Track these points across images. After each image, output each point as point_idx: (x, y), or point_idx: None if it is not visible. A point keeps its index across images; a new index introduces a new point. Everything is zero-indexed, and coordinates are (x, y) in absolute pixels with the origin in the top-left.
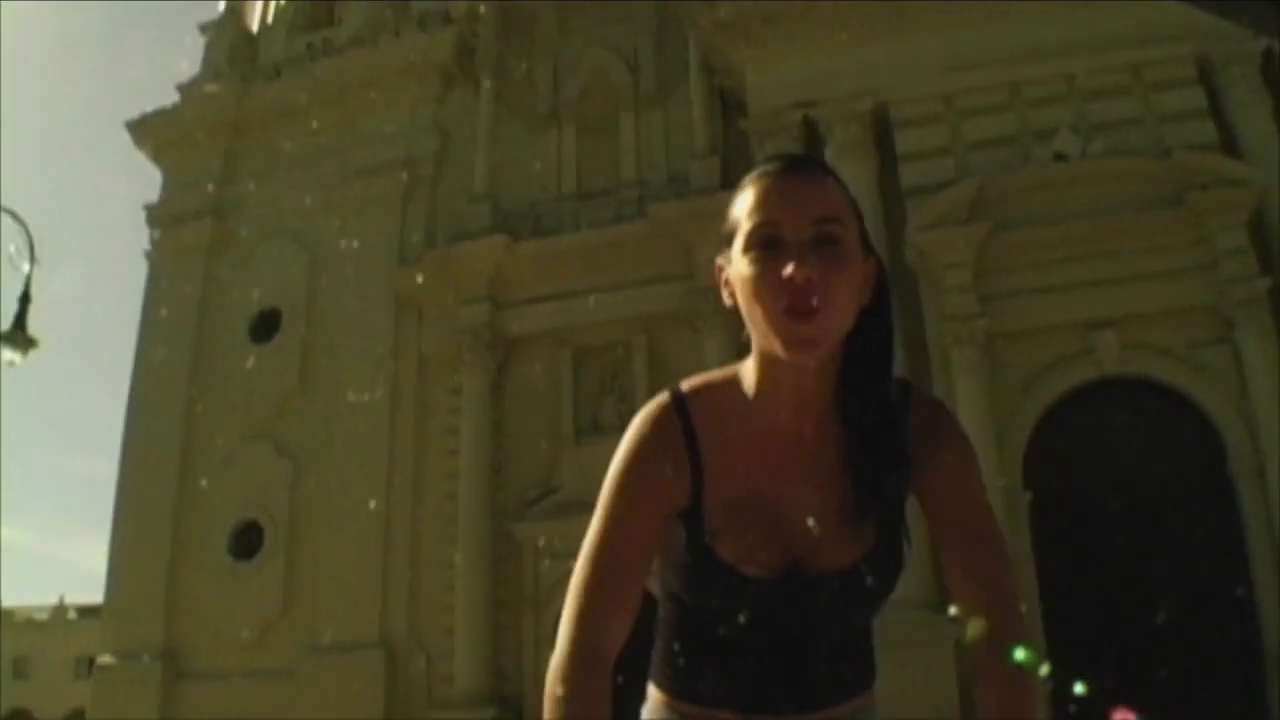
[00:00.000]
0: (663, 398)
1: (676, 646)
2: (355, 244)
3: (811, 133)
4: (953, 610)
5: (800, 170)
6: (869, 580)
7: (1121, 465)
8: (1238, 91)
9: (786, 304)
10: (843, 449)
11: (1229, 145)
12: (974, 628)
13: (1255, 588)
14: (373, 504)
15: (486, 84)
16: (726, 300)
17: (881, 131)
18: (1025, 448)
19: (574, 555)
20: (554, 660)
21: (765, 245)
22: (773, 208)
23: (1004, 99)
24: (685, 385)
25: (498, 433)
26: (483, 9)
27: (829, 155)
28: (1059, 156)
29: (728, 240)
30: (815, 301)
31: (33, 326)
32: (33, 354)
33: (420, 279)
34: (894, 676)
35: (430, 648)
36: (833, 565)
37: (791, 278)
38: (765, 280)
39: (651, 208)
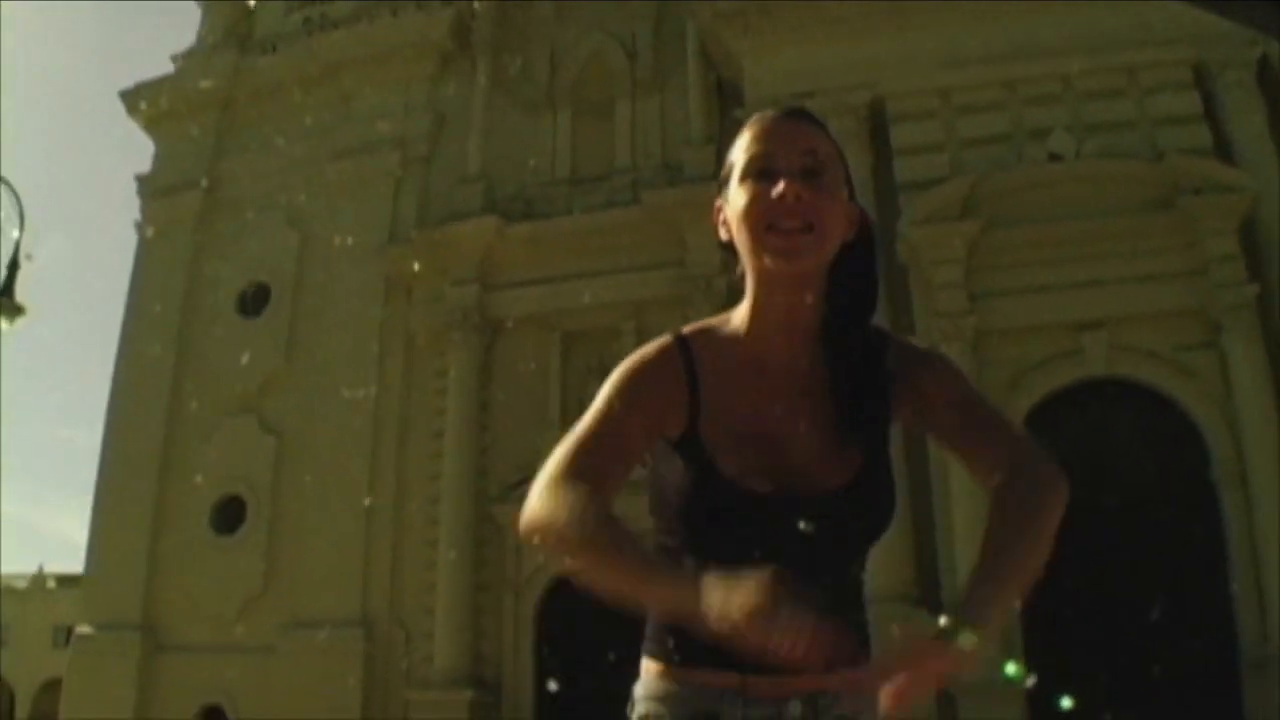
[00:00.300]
0: (664, 337)
1: None
2: (346, 221)
3: None
4: (943, 620)
5: (793, 114)
6: (861, 502)
7: (1106, 467)
8: (1233, 97)
9: (776, 220)
10: (828, 374)
11: (1223, 151)
12: (967, 640)
13: (1234, 593)
14: (356, 482)
15: (483, 65)
16: (723, 236)
17: (877, 125)
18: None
19: None
20: (538, 510)
21: (759, 175)
22: (766, 141)
23: (1000, 97)
24: (685, 328)
25: (484, 415)
26: None
27: None
28: (1053, 156)
29: (724, 182)
30: (802, 221)
31: (20, 294)
32: (19, 321)
33: (410, 259)
34: None
35: (410, 627)
36: (825, 485)
37: (782, 195)
38: (757, 202)
39: (645, 194)
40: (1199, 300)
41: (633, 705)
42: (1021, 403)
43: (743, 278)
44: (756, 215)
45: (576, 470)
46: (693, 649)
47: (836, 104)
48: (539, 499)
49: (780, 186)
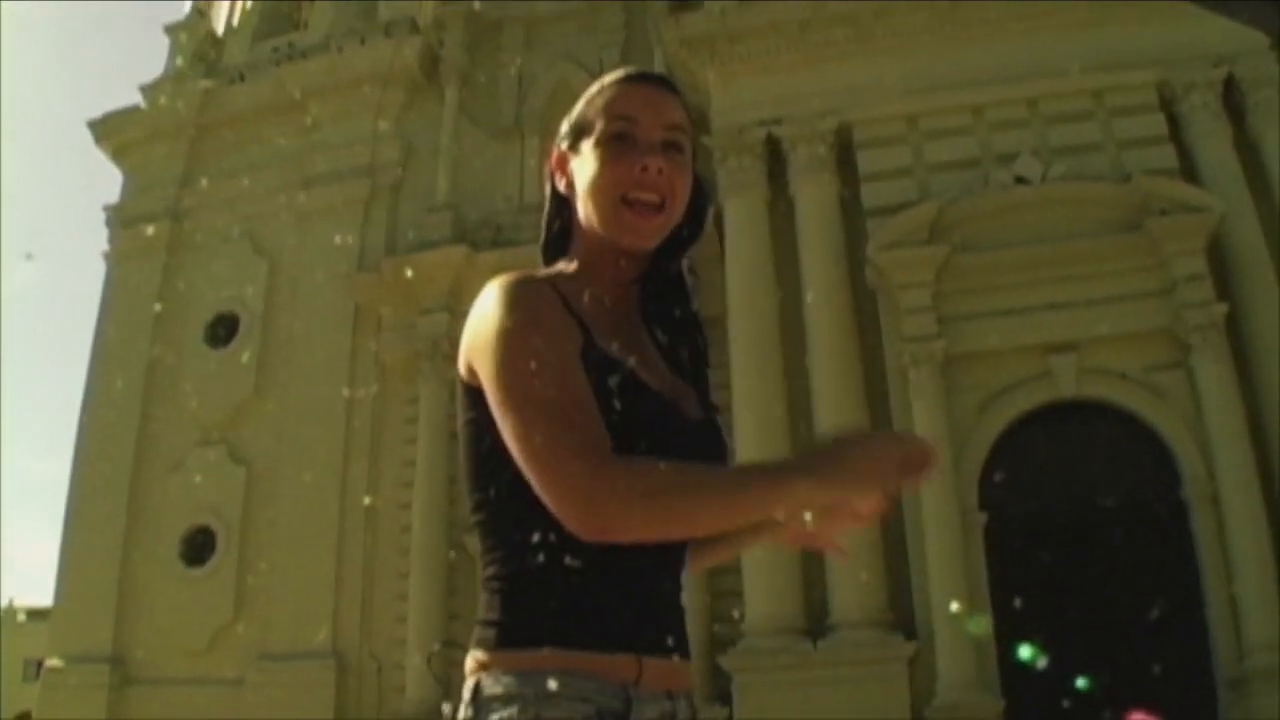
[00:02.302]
0: (516, 274)
1: (554, 573)
2: (315, 251)
3: (775, 150)
4: (955, 605)
5: (655, 80)
6: (718, 438)
7: (1077, 489)
8: (1198, 118)
9: (634, 194)
10: (647, 323)
11: (1189, 171)
12: (977, 625)
13: (1207, 612)
14: (326, 512)
15: (451, 94)
16: (560, 186)
17: (844, 151)
18: (981, 470)
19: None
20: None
21: (620, 139)
22: (631, 107)
23: (966, 122)
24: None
25: (454, 444)
26: (449, 18)
27: (792, 173)
28: (1020, 180)
29: (577, 132)
30: (659, 195)
31: None
32: None
33: (379, 288)
34: (848, 695)
35: (382, 658)
36: (695, 417)
37: (645, 168)
38: (617, 170)
39: None
40: (1167, 320)
41: (481, 710)
42: (992, 426)
43: (564, 230)
44: (614, 185)
45: (583, 446)
46: (585, 627)
47: (803, 130)
48: (577, 490)
49: (651, 162)
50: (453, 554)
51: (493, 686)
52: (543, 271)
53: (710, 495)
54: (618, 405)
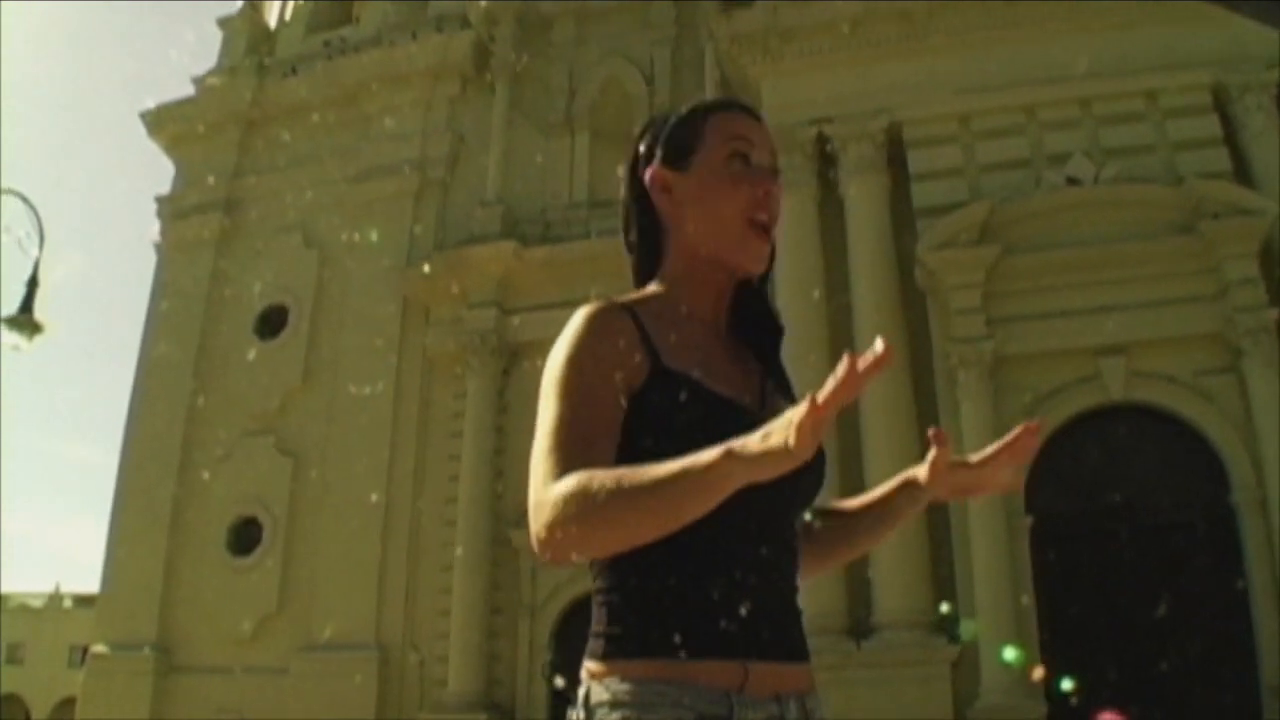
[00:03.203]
0: (598, 301)
1: (656, 582)
2: (364, 244)
3: (825, 149)
4: (944, 607)
5: (750, 108)
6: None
7: (1124, 493)
8: (1253, 120)
9: (758, 215)
10: (744, 344)
11: (1242, 174)
12: (969, 629)
13: (1255, 619)
14: (372, 505)
15: (501, 89)
16: (662, 204)
17: (895, 151)
18: (1028, 472)
19: (571, 565)
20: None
21: (744, 163)
22: (749, 132)
23: (1018, 122)
24: (611, 298)
25: (500, 438)
26: (500, 13)
27: (842, 172)
28: (1071, 181)
29: (680, 151)
30: (772, 218)
31: (37, 311)
32: (36, 339)
33: (428, 282)
34: (891, 696)
35: (424, 650)
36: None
37: (769, 192)
38: (741, 193)
39: None
40: (1218, 324)
41: (590, 715)
42: (1040, 427)
43: (646, 240)
44: (743, 206)
45: (550, 475)
46: (688, 636)
47: (854, 129)
48: (536, 512)
49: (770, 185)
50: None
51: (600, 694)
52: (628, 296)
53: (646, 497)
54: (686, 416)
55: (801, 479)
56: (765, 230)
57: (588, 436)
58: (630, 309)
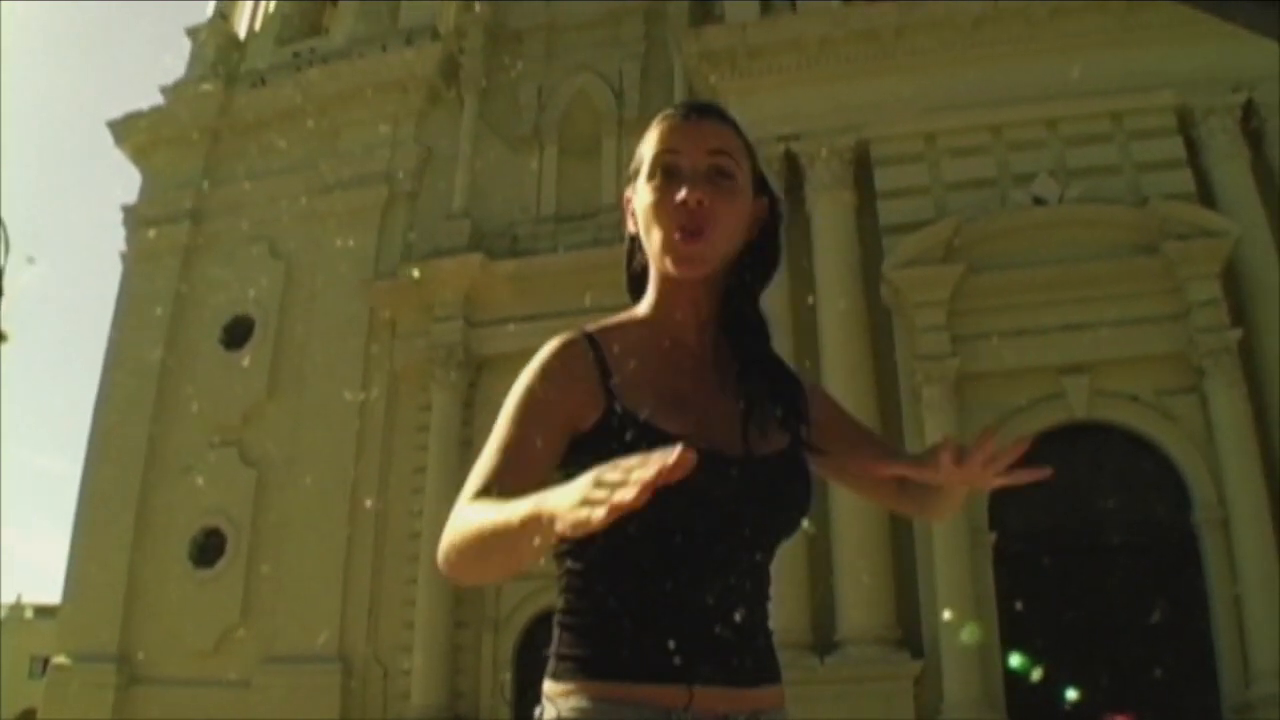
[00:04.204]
0: (568, 332)
1: (604, 607)
2: (331, 256)
3: (793, 166)
4: (946, 614)
5: (700, 111)
6: (786, 473)
7: (1087, 511)
8: (1217, 142)
9: (679, 224)
10: (736, 363)
11: (1206, 196)
12: (969, 632)
13: (1215, 637)
14: (336, 517)
15: (470, 102)
16: (630, 229)
17: (862, 168)
18: (991, 489)
19: (535, 577)
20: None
21: (665, 173)
22: (673, 139)
23: (984, 141)
24: (587, 326)
25: (466, 450)
26: (470, 26)
27: (809, 189)
28: (1037, 200)
29: (635, 174)
30: (703, 224)
31: (3, 321)
32: (2, 348)
33: (395, 294)
34: (854, 711)
35: (388, 663)
36: (756, 452)
37: (684, 201)
38: (662, 204)
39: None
40: (1181, 345)
41: None
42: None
43: (641, 272)
44: (663, 219)
45: (476, 493)
46: (633, 660)
47: (822, 146)
48: (443, 539)
49: (683, 193)
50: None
51: (551, 713)
52: (606, 321)
53: (489, 533)
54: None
55: (768, 516)
56: (692, 235)
57: (510, 466)
58: (596, 341)
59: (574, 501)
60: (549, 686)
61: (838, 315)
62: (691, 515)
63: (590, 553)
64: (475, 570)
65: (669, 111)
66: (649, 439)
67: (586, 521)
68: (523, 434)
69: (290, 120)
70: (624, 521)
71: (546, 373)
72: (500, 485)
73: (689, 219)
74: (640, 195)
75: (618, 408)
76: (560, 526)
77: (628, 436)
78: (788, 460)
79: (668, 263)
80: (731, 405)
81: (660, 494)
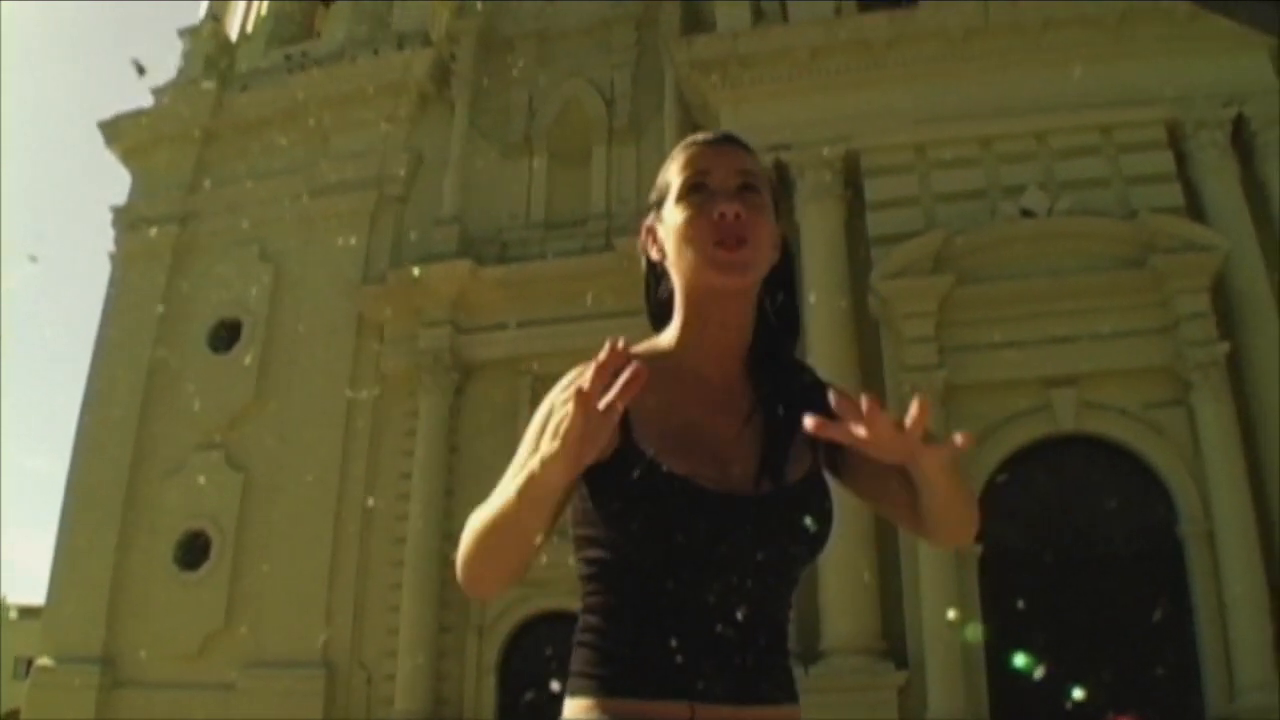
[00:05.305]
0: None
1: (612, 627)
2: (320, 259)
3: (782, 176)
4: (950, 614)
5: (724, 137)
6: (804, 505)
7: (1073, 523)
8: (1207, 156)
9: (718, 238)
10: (759, 395)
11: (1195, 209)
12: (972, 631)
13: (1200, 650)
14: (321, 522)
15: (461, 108)
16: (653, 255)
17: (851, 179)
18: (978, 501)
19: (523, 584)
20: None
21: (696, 191)
22: (702, 162)
23: (974, 153)
24: None
25: (452, 456)
26: (462, 32)
27: (798, 199)
28: (1026, 213)
29: (658, 203)
30: (744, 234)
31: None
32: None
33: (383, 299)
34: None
35: (372, 668)
36: (766, 486)
37: (723, 214)
38: (698, 221)
39: (618, 241)
40: (1169, 358)
41: None
42: (990, 458)
43: (667, 300)
44: (700, 235)
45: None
46: (636, 677)
47: (811, 157)
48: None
49: (722, 207)
50: (446, 568)
51: None
52: (639, 344)
53: (498, 520)
54: (638, 492)
55: (782, 550)
56: (730, 246)
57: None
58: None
59: (550, 442)
60: (566, 704)
61: (825, 325)
62: (703, 551)
63: (604, 576)
64: (490, 567)
65: (692, 140)
66: (656, 478)
67: (569, 447)
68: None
69: (281, 123)
70: (636, 552)
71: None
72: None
73: (728, 231)
74: (670, 216)
75: (632, 440)
76: (554, 467)
77: (635, 474)
78: (805, 491)
79: (710, 274)
80: (752, 437)
81: (673, 530)
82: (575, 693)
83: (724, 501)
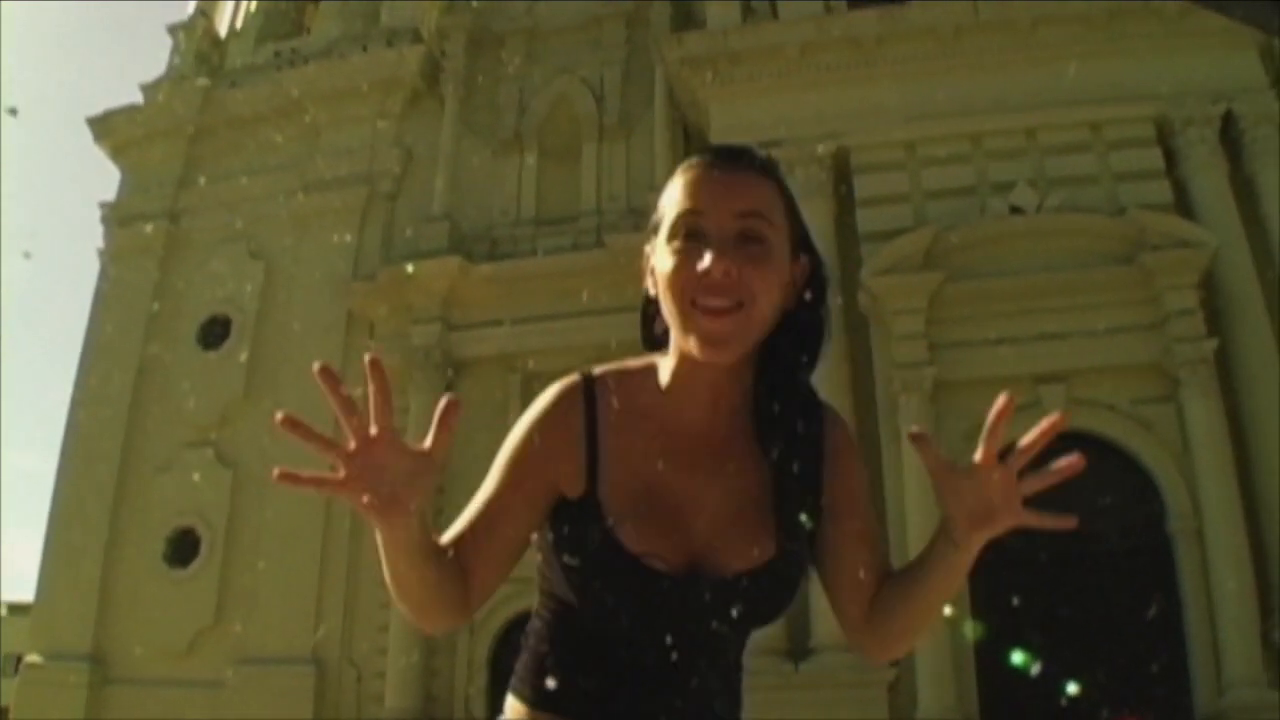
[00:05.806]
0: (572, 378)
1: (550, 652)
2: (310, 256)
3: None
4: (961, 618)
5: (730, 161)
6: (766, 588)
7: None
8: (1195, 153)
9: (702, 299)
10: (753, 452)
11: (1184, 206)
12: (972, 629)
13: (1189, 647)
14: (311, 519)
15: (451, 104)
16: (650, 288)
17: (841, 175)
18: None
19: (510, 580)
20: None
21: (687, 235)
22: (697, 198)
23: (964, 150)
24: (599, 369)
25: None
26: (452, 28)
27: None
28: (1015, 209)
29: (655, 229)
30: (731, 299)
31: None
32: None
33: (373, 296)
34: (828, 717)
35: (362, 666)
36: (731, 567)
37: (708, 271)
38: (683, 272)
39: (609, 238)
40: (1158, 354)
41: None
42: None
43: (665, 334)
44: (682, 287)
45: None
46: (564, 699)
47: (802, 153)
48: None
49: (707, 262)
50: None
51: None
52: (609, 368)
53: (389, 573)
54: (591, 560)
55: (737, 624)
56: (714, 311)
57: (468, 516)
58: (595, 400)
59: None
60: (506, 699)
61: None
62: (651, 627)
63: (552, 604)
64: (417, 614)
65: (695, 160)
66: (610, 554)
67: (370, 514)
68: (493, 488)
69: (271, 120)
70: (584, 605)
71: (536, 427)
72: (453, 531)
73: (715, 293)
74: (660, 257)
75: (595, 493)
76: (378, 526)
77: (591, 542)
78: (776, 571)
79: (691, 344)
80: (732, 507)
81: (621, 610)
82: (514, 692)
83: (679, 585)
